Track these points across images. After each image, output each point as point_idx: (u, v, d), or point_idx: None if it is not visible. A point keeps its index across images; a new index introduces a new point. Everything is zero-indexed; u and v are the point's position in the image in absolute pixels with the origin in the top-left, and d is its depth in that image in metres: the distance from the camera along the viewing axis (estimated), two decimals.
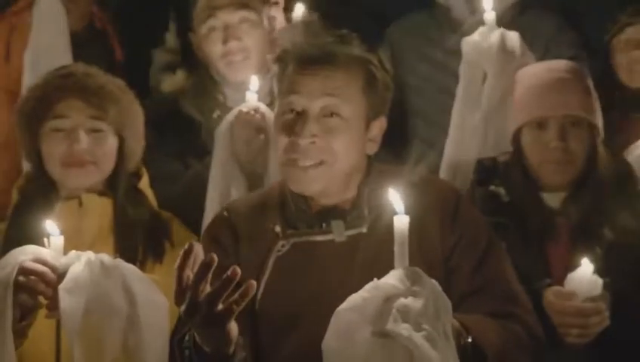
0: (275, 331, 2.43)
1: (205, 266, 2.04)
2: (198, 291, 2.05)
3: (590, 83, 3.18)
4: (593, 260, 2.76)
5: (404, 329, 1.98)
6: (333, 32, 2.55)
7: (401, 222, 2.09)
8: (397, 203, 2.13)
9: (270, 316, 2.43)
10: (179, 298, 2.09)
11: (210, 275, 2.05)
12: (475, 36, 3.48)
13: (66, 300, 2.37)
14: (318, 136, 2.44)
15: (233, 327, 2.13)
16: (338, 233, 2.45)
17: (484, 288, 2.41)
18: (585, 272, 2.74)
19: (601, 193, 3.05)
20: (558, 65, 3.19)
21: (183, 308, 2.08)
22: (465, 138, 3.40)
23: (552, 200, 3.07)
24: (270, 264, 2.45)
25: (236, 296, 2.06)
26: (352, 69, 2.48)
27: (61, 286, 2.38)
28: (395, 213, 2.10)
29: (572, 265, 2.81)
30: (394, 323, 1.99)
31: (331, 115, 2.45)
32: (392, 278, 2.06)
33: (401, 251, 2.08)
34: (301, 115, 2.45)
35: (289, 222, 2.50)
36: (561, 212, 3.05)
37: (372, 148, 2.55)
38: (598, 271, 2.74)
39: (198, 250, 2.10)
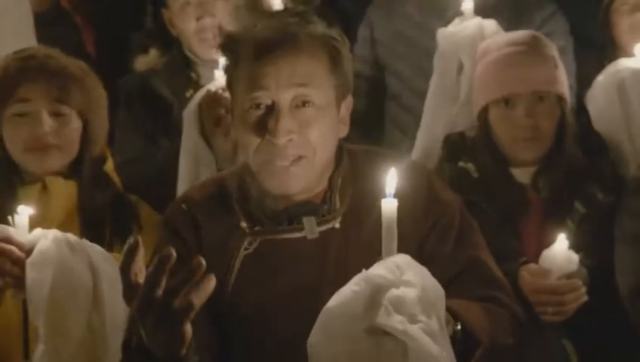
0: (245, 331, 2.31)
1: (163, 260, 1.83)
2: (155, 287, 1.83)
3: (555, 52, 3.14)
4: (566, 235, 2.74)
5: (398, 322, 1.85)
6: (289, 10, 2.34)
7: (390, 206, 1.94)
8: (388, 185, 1.97)
9: (240, 316, 2.31)
10: (128, 296, 1.88)
11: (167, 269, 1.83)
12: (450, 27, 3.43)
13: (33, 274, 2.35)
14: (294, 132, 2.24)
15: (188, 327, 1.88)
16: (310, 230, 2.31)
17: (462, 274, 2.32)
18: (560, 249, 2.72)
19: (571, 166, 3.03)
20: (520, 38, 3.15)
21: (134, 305, 1.87)
22: (437, 129, 3.34)
23: (522, 175, 3.05)
24: (237, 262, 2.32)
25: (195, 289, 1.83)
26: (316, 50, 2.27)
27: (28, 261, 2.36)
28: (384, 196, 1.96)
29: (545, 241, 2.81)
30: (387, 316, 1.86)
31: (304, 104, 2.26)
32: (382, 268, 1.92)
33: (389, 238, 1.95)
34: (271, 110, 2.24)
35: (254, 218, 2.35)
36: (532, 187, 3.04)
37: (343, 131, 2.38)
38: (572, 246, 2.72)
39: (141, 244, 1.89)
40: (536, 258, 2.80)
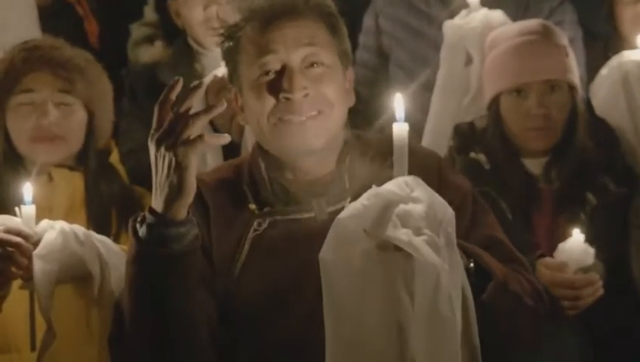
0: (254, 313, 2.29)
1: (195, 88, 2.10)
2: (180, 116, 2.08)
3: (565, 40, 3.12)
4: (578, 226, 2.72)
5: (403, 234, 1.89)
6: None
7: (401, 129, 1.99)
8: (398, 109, 2.02)
9: (249, 297, 2.29)
10: (157, 129, 2.11)
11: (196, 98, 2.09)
12: (457, 19, 3.41)
13: (40, 266, 2.33)
14: (309, 88, 2.27)
15: (192, 180, 2.08)
16: (319, 212, 2.31)
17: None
18: (576, 242, 2.70)
19: (582, 156, 3.01)
20: (531, 27, 3.13)
21: (156, 135, 2.11)
22: (444, 121, 3.32)
23: (533, 166, 3.04)
24: (247, 243, 2.31)
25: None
26: (315, 17, 2.32)
27: (35, 253, 2.34)
28: (395, 121, 2.00)
29: (557, 232, 2.81)
30: (393, 228, 1.90)
31: (312, 65, 2.30)
32: (392, 185, 1.96)
33: (400, 159, 1.99)
34: (283, 72, 2.28)
35: (264, 200, 2.35)
36: (543, 178, 3.02)
37: (351, 100, 2.40)
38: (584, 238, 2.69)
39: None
40: (548, 249, 2.77)
